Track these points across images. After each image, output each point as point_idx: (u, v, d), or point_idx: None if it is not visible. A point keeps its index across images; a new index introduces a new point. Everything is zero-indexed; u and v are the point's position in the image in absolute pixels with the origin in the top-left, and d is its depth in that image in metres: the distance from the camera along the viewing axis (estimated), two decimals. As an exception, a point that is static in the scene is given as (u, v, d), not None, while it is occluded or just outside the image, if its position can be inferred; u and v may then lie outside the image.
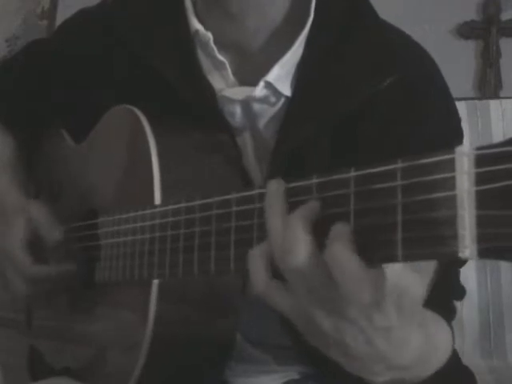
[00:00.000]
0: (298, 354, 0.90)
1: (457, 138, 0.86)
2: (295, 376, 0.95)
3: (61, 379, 0.93)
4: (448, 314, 0.77)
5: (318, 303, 0.52)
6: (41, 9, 2.58)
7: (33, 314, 1.05)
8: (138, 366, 0.76)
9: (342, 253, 0.48)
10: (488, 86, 2.22)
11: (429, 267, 0.52)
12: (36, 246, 0.92)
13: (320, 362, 0.89)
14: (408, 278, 0.51)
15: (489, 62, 2.23)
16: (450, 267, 0.80)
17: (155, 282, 0.74)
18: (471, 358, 1.41)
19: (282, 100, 0.85)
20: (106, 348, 0.86)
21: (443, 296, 0.77)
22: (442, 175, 0.42)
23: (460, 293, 0.85)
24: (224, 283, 0.78)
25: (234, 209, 0.58)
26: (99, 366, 0.88)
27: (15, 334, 1.09)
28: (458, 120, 0.88)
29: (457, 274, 0.84)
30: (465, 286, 1.41)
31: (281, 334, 0.88)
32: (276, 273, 0.53)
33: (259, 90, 0.83)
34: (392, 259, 0.45)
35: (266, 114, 0.86)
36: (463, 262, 0.84)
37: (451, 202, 0.41)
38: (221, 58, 0.85)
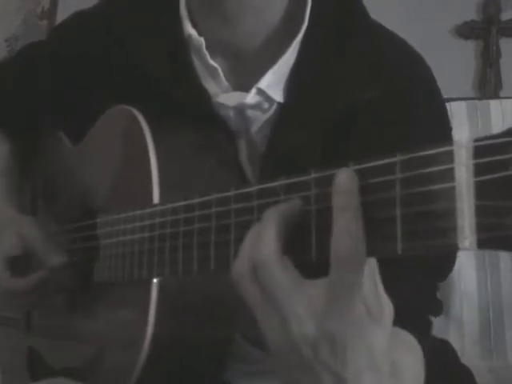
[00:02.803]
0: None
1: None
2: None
3: (60, 379, 0.93)
4: (423, 329, 0.76)
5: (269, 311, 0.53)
6: (41, 9, 2.58)
7: (32, 314, 1.05)
8: (138, 366, 0.76)
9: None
10: (488, 86, 2.22)
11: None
12: (22, 259, 0.92)
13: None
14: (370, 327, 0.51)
15: (489, 61, 2.23)
16: (426, 282, 0.80)
17: (155, 281, 0.74)
18: (471, 358, 1.41)
19: (275, 106, 0.85)
20: (106, 348, 0.86)
21: (419, 312, 0.77)
22: (440, 167, 0.42)
23: (437, 308, 0.84)
24: (224, 283, 0.78)
25: (233, 206, 0.58)
26: (99, 366, 0.87)
27: (15, 333, 1.09)
28: (449, 125, 0.88)
29: (434, 289, 0.84)
30: (465, 286, 1.41)
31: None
32: None
33: (251, 97, 0.83)
34: (392, 252, 0.45)
35: (259, 119, 0.86)
36: (445, 275, 0.84)
37: (450, 194, 0.41)
38: (213, 63, 0.85)
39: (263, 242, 0.52)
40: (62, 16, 2.24)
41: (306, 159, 0.81)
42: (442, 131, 0.86)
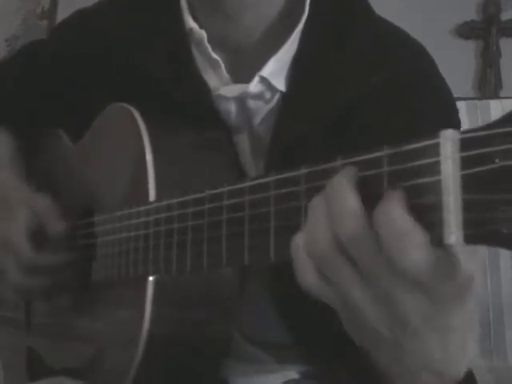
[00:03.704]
0: (300, 353, 0.90)
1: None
2: (295, 375, 0.94)
3: (60, 379, 0.93)
4: None
5: (365, 286, 0.47)
6: (41, 9, 2.58)
7: (31, 313, 1.04)
8: (135, 365, 0.75)
9: (395, 209, 0.43)
10: (488, 86, 2.22)
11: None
12: (38, 236, 0.91)
13: (321, 361, 0.89)
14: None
15: (489, 62, 2.23)
16: None
17: (152, 280, 0.74)
18: (471, 358, 1.40)
19: (277, 96, 0.84)
20: (104, 347, 0.86)
21: None
22: (427, 160, 0.41)
23: None
24: (223, 281, 0.78)
25: (225, 202, 0.58)
26: (97, 366, 0.87)
27: (14, 332, 1.09)
28: (456, 112, 0.87)
29: None
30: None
31: (281, 333, 0.88)
32: None
33: (254, 86, 0.83)
34: None
35: (262, 110, 0.86)
36: None
37: (437, 188, 0.41)
38: (215, 56, 0.85)
39: (347, 210, 0.45)
40: (62, 16, 2.24)
41: (312, 149, 0.81)
42: (447, 118, 0.85)
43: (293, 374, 0.94)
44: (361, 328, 0.49)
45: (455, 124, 0.87)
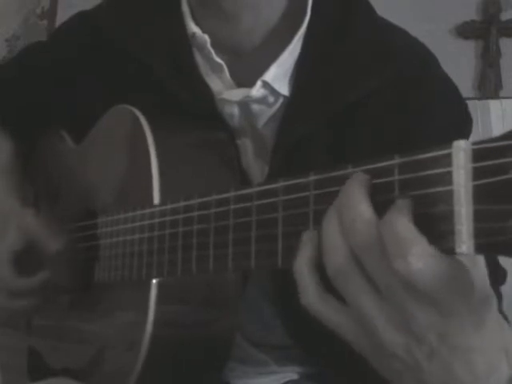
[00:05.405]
0: (300, 354, 0.90)
1: (464, 123, 0.86)
2: (294, 377, 0.95)
3: (60, 379, 0.93)
4: (499, 301, 0.74)
5: (378, 305, 0.46)
6: (41, 9, 2.58)
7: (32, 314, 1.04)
8: (137, 367, 0.76)
9: (399, 218, 0.42)
10: (488, 86, 2.22)
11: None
12: (27, 256, 0.91)
13: (322, 361, 0.89)
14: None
15: (489, 62, 2.23)
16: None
17: (155, 282, 0.74)
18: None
19: (281, 100, 0.84)
20: (106, 348, 0.86)
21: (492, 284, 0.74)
22: (438, 170, 0.41)
23: (503, 276, 0.82)
24: (224, 284, 0.78)
25: (232, 207, 0.58)
26: (99, 367, 0.87)
27: (14, 333, 1.09)
28: (464, 106, 0.87)
29: (496, 257, 0.81)
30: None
31: (282, 335, 0.88)
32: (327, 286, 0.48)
33: (256, 90, 0.83)
34: None
35: (265, 114, 0.86)
36: None
37: (448, 197, 0.41)
38: (218, 60, 0.85)
39: (358, 217, 0.45)
40: (61, 16, 2.24)
41: (316, 152, 0.82)
42: (452, 115, 0.85)
43: (292, 374, 0.95)
44: (378, 353, 0.48)
45: (461, 118, 0.87)
